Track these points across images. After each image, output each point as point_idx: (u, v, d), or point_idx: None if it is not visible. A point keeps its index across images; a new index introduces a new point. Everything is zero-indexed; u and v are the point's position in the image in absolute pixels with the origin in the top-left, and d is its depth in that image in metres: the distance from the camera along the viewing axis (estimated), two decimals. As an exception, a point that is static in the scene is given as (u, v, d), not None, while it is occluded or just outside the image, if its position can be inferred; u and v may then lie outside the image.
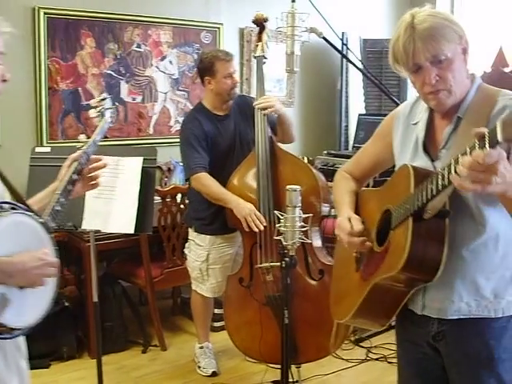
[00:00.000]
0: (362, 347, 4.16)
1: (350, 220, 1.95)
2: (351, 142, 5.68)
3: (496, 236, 1.74)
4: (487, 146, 1.31)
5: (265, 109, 3.39)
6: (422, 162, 1.82)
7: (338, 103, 5.87)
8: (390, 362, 3.92)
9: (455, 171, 1.41)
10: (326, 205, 3.40)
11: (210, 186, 3.39)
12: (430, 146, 1.84)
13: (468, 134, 1.69)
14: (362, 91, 5.82)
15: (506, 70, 4.85)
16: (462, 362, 1.83)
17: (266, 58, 3.60)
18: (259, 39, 3.60)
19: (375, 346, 4.15)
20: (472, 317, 1.79)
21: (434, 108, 1.80)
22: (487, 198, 1.66)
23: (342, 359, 3.94)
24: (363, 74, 3.19)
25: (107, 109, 2.49)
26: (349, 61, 3.46)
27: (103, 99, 2.69)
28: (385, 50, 5.74)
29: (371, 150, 2.14)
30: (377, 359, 4.02)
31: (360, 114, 5.41)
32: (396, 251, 1.72)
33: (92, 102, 4.32)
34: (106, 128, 2.35)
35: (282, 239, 2.60)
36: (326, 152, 4.91)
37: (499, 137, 1.28)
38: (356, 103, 5.87)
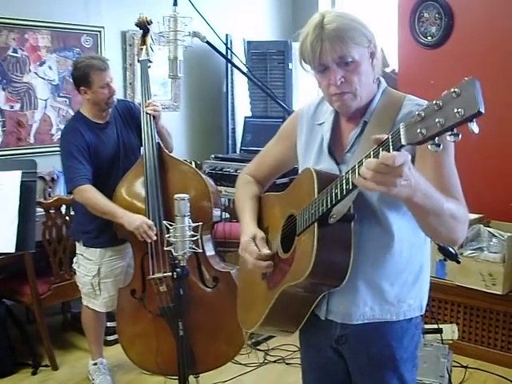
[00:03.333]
0: (260, 350, 4.16)
1: (254, 240, 1.90)
2: (238, 145, 5.67)
3: (401, 240, 1.75)
4: (391, 149, 1.31)
5: (153, 112, 3.32)
6: (327, 165, 1.80)
7: (225, 106, 5.83)
8: (288, 364, 3.95)
9: (359, 174, 1.40)
10: (217, 209, 3.37)
11: (95, 199, 3.25)
12: (335, 148, 1.82)
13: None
14: (248, 93, 5.84)
15: (387, 70, 4.99)
16: (365, 364, 1.85)
17: (150, 62, 3.51)
18: (143, 42, 3.51)
19: (272, 349, 4.15)
20: (375, 321, 1.80)
21: (338, 110, 1.78)
22: (392, 202, 1.67)
23: (240, 364, 3.92)
24: (248, 77, 3.15)
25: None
26: (233, 65, 3.43)
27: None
28: (269, 52, 5.84)
29: (274, 151, 2.10)
30: (275, 361, 4.02)
31: (246, 117, 5.41)
32: (302, 258, 1.69)
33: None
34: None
35: (173, 250, 2.52)
36: (213, 156, 4.87)
37: (403, 140, 1.29)
38: (242, 105, 5.86)
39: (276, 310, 1.84)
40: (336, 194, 1.55)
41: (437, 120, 1.21)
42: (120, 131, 3.48)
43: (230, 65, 5.64)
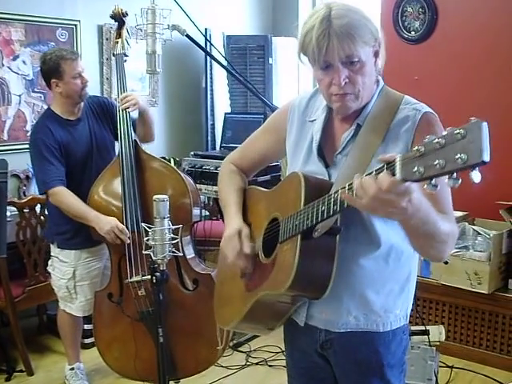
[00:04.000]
0: (241, 352, 4.07)
1: (239, 235, 1.81)
2: (218, 141, 5.56)
3: (388, 250, 1.67)
4: (398, 175, 1.21)
5: (128, 108, 3.20)
6: (315, 167, 1.71)
7: (204, 102, 5.74)
8: (270, 366, 3.87)
9: (349, 189, 1.33)
10: (197, 209, 3.26)
11: (68, 201, 3.14)
12: (325, 148, 1.73)
13: (366, 143, 1.62)
14: (227, 89, 5.74)
15: None
16: (351, 370, 1.78)
17: (126, 56, 3.38)
18: (118, 35, 3.38)
19: (254, 350, 4.07)
20: (359, 330, 1.72)
21: (337, 110, 1.68)
22: None
23: (222, 366, 3.83)
24: (228, 72, 3.04)
25: None
26: (214, 59, 3.34)
27: None
28: (249, 47, 5.76)
29: (261, 143, 2.00)
30: (257, 363, 3.94)
31: (226, 113, 5.30)
32: (283, 268, 1.61)
33: None
34: None
35: (152, 254, 2.41)
36: (193, 153, 4.76)
37: (398, 175, 1.21)
38: (221, 101, 5.76)
39: (253, 312, 1.78)
40: (322, 212, 1.47)
41: (437, 161, 1.11)
42: (92, 128, 3.36)
43: (209, 60, 5.56)
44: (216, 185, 4.16)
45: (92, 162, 3.32)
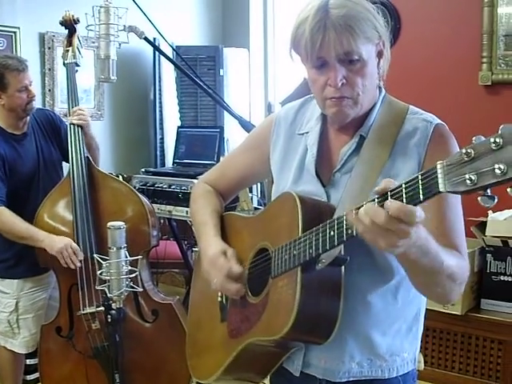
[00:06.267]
0: None
1: (225, 255, 1.55)
2: (168, 157, 5.29)
3: (397, 284, 1.44)
4: (421, 196, 1.01)
5: (82, 122, 2.94)
6: (311, 187, 1.47)
7: (152, 115, 5.44)
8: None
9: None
10: (155, 231, 2.98)
11: (10, 222, 2.82)
12: (319, 165, 1.49)
13: (372, 158, 1.38)
14: (177, 101, 5.48)
15: None
16: None
17: (78, 66, 3.10)
18: (69, 44, 3.10)
19: None
20: (363, 378, 1.47)
21: (332, 117, 1.44)
22: None
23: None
24: (196, 84, 2.80)
25: None
26: (179, 68, 3.07)
27: None
28: (199, 58, 5.52)
29: (240, 162, 1.74)
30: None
31: (179, 127, 5.04)
32: (279, 309, 1.36)
33: None
34: None
35: (106, 289, 2.11)
36: (143, 170, 4.47)
37: (441, 186, 0.99)
38: (170, 114, 5.50)
39: (238, 363, 1.52)
40: (331, 238, 1.22)
41: (497, 166, 0.90)
42: (39, 144, 3.06)
43: (157, 71, 5.30)
44: (170, 204, 3.94)
45: (39, 180, 3.01)
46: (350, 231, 1.17)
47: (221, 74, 5.49)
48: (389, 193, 1.06)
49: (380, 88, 1.49)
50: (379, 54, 1.40)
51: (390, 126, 1.42)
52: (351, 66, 1.34)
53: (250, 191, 4.12)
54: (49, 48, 4.60)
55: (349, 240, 1.20)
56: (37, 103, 3.17)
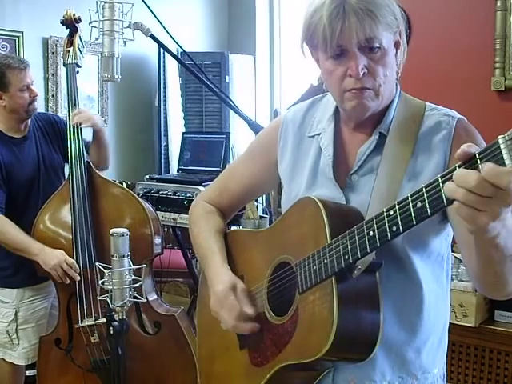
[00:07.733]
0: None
1: (234, 292, 1.42)
2: (172, 164, 5.21)
3: (428, 292, 1.33)
4: (508, 161, 0.89)
5: (81, 123, 2.84)
6: (328, 191, 1.37)
7: (157, 121, 5.37)
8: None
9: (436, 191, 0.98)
10: (159, 239, 2.88)
11: (7, 232, 2.73)
12: (335, 168, 1.39)
13: (396, 156, 1.28)
14: (182, 108, 5.40)
15: (316, 83, 4.65)
16: None
17: (79, 67, 3.00)
18: (70, 44, 3.00)
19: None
20: None
21: (350, 111, 1.34)
22: (417, 240, 1.27)
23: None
24: (207, 87, 2.71)
25: None
26: (189, 70, 2.98)
27: None
28: (204, 64, 5.44)
29: (244, 172, 1.62)
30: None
31: (184, 133, 4.95)
32: (314, 327, 1.24)
33: None
34: None
35: (109, 300, 2.01)
36: (148, 177, 4.38)
37: (507, 161, 0.89)
38: (175, 121, 5.42)
39: None
40: (372, 239, 1.12)
41: None
42: (40, 148, 2.97)
43: (162, 77, 5.23)
44: (175, 211, 3.84)
45: (39, 186, 2.92)
46: (394, 228, 1.07)
47: (226, 80, 5.43)
48: (477, 157, 0.94)
49: (396, 84, 1.39)
50: (396, 45, 1.31)
51: (409, 122, 1.34)
52: (372, 54, 1.25)
53: (256, 200, 4.02)
54: (52, 53, 4.56)
55: (393, 238, 1.10)
56: (40, 109, 3.10)
